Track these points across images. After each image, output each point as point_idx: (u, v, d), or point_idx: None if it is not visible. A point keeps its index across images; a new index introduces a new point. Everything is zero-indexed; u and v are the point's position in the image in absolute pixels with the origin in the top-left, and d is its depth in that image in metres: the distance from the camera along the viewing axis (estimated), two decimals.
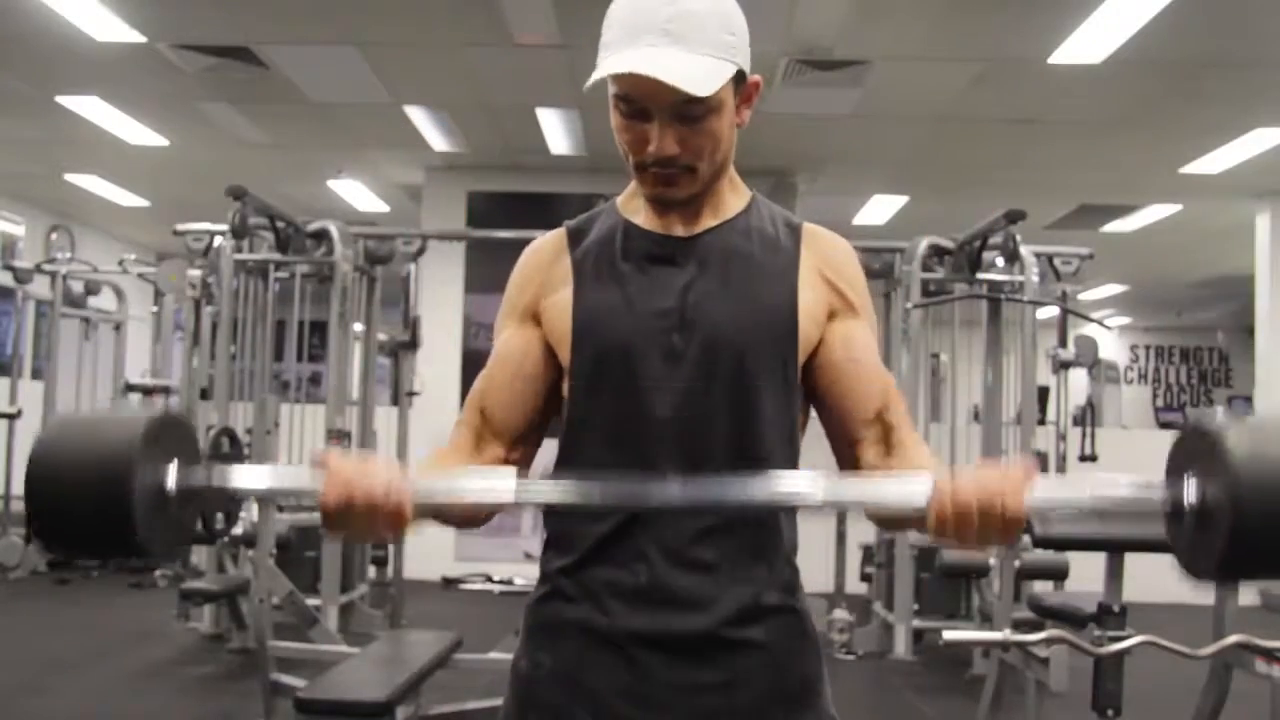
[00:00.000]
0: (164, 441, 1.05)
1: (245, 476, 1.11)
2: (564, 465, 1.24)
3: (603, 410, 1.21)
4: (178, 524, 1.08)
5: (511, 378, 1.26)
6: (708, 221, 1.26)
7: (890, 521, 1.24)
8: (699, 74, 1.12)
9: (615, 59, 1.13)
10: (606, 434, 1.21)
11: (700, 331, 1.20)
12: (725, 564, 1.19)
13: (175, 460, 1.06)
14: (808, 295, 1.23)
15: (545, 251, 1.29)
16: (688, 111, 1.15)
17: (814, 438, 1.32)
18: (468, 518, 1.19)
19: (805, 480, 1.06)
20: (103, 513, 1.00)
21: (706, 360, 1.19)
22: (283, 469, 1.11)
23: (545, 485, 1.10)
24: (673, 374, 1.19)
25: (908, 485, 1.05)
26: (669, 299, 1.21)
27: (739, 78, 1.19)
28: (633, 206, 1.29)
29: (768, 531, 1.22)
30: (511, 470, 1.08)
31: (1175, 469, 1.05)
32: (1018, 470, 1.03)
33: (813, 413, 1.30)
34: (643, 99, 1.15)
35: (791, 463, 1.23)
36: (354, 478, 1.03)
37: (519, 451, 1.26)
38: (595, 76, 1.16)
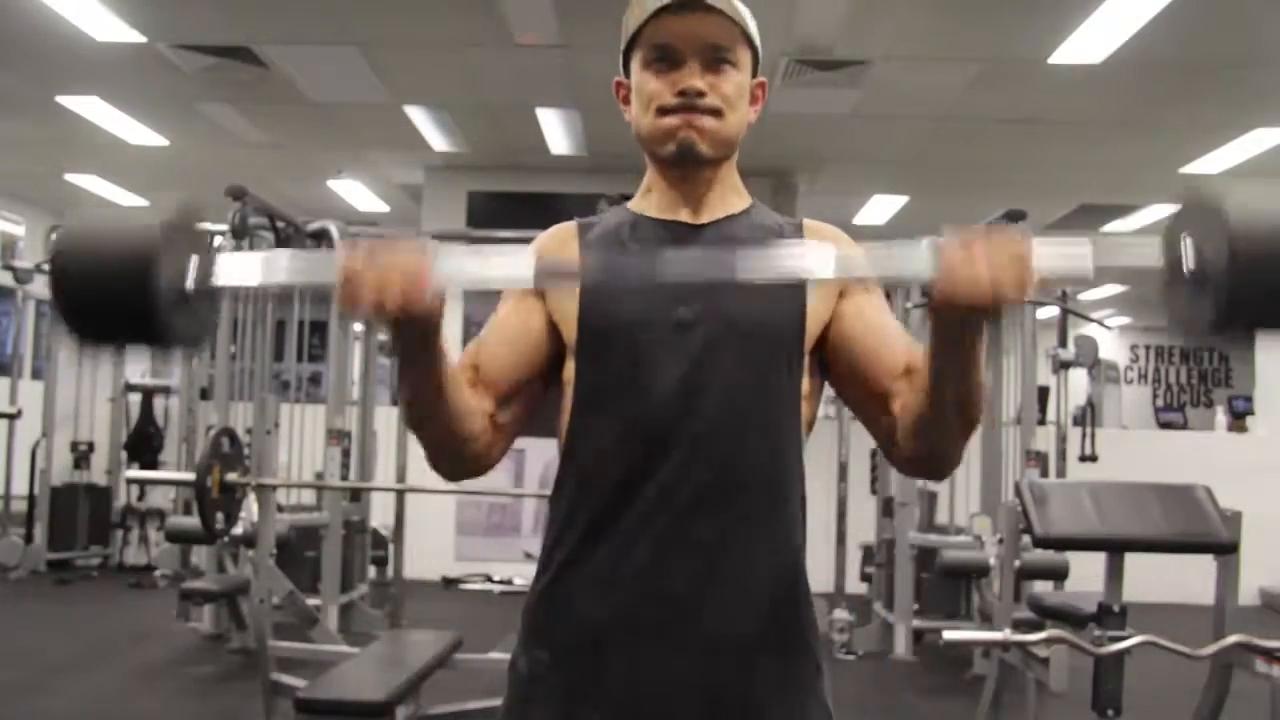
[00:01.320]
0: (183, 234, 1.08)
1: (265, 265, 1.09)
2: (569, 442, 1.24)
3: (610, 382, 1.22)
4: (197, 315, 1.10)
5: (507, 340, 1.26)
6: (715, 213, 1.29)
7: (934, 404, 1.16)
8: (736, 14, 1.23)
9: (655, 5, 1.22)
10: (613, 409, 1.21)
11: (707, 304, 1.21)
12: (725, 548, 1.19)
13: (193, 253, 1.08)
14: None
15: (555, 237, 1.33)
16: (718, 55, 1.23)
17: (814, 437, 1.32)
18: (456, 418, 1.18)
19: (815, 253, 1.09)
20: (127, 302, 1.03)
21: (714, 332, 1.21)
22: (303, 254, 1.10)
23: (563, 264, 1.18)
24: (680, 345, 1.21)
25: (914, 249, 1.07)
26: None
27: (754, 63, 1.28)
28: (643, 204, 1.32)
29: (772, 514, 1.22)
30: (530, 255, 1.08)
31: (1174, 234, 1.08)
32: (1019, 233, 1.04)
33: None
34: (678, 41, 1.22)
35: (796, 435, 1.24)
36: (376, 251, 1.02)
37: (505, 414, 1.25)
38: (639, 21, 1.23)
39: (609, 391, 1.22)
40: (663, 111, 1.24)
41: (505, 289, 1.29)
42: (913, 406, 1.18)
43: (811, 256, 1.09)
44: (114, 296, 1.04)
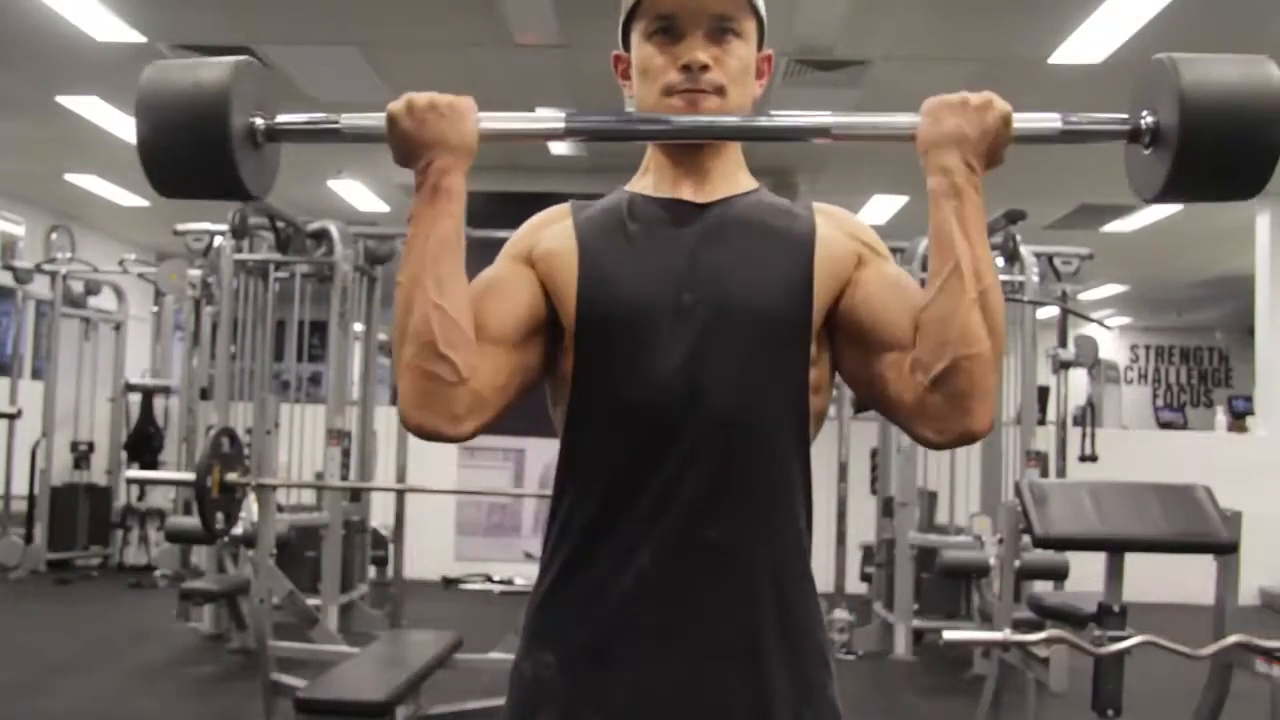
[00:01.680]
0: (249, 85, 1.19)
1: (321, 115, 1.24)
2: (571, 434, 1.20)
3: (610, 369, 1.17)
4: (265, 162, 1.25)
5: (502, 294, 1.20)
6: (720, 192, 1.25)
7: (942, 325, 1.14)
8: None
9: None
10: (614, 393, 1.17)
11: (710, 288, 1.18)
12: (731, 546, 1.16)
13: (258, 103, 1.20)
14: (827, 249, 1.21)
15: (547, 216, 1.28)
16: (722, 25, 1.21)
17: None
18: (449, 314, 1.14)
19: (814, 115, 1.21)
20: (205, 151, 1.14)
21: (716, 316, 1.17)
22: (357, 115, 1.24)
23: (592, 116, 1.23)
24: (682, 329, 1.16)
25: (905, 115, 1.20)
26: (679, 257, 1.20)
27: (760, 34, 1.25)
28: (641, 184, 1.28)
29: (779, 510, 1.19)
30: (560, 113, 1.21)
31: (1137, 104, 1.20)
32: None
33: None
34: (680, 10, 1.20)
35: (805, 427, 1.20)
36: (421, 92, 1.17)
37: (494, 372, 1.16)
38: None
39: (610, 384, 1.17)
40: (667, 92, 1.20)
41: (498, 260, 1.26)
42: (926, 313, 1.15)
43: (811, 116, 1.22)
44: (191, 136, 1.14)
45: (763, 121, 1.21)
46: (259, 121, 1.19)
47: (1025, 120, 1.17)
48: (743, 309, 1.17)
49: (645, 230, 1.22)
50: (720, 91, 1.20)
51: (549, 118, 1.21)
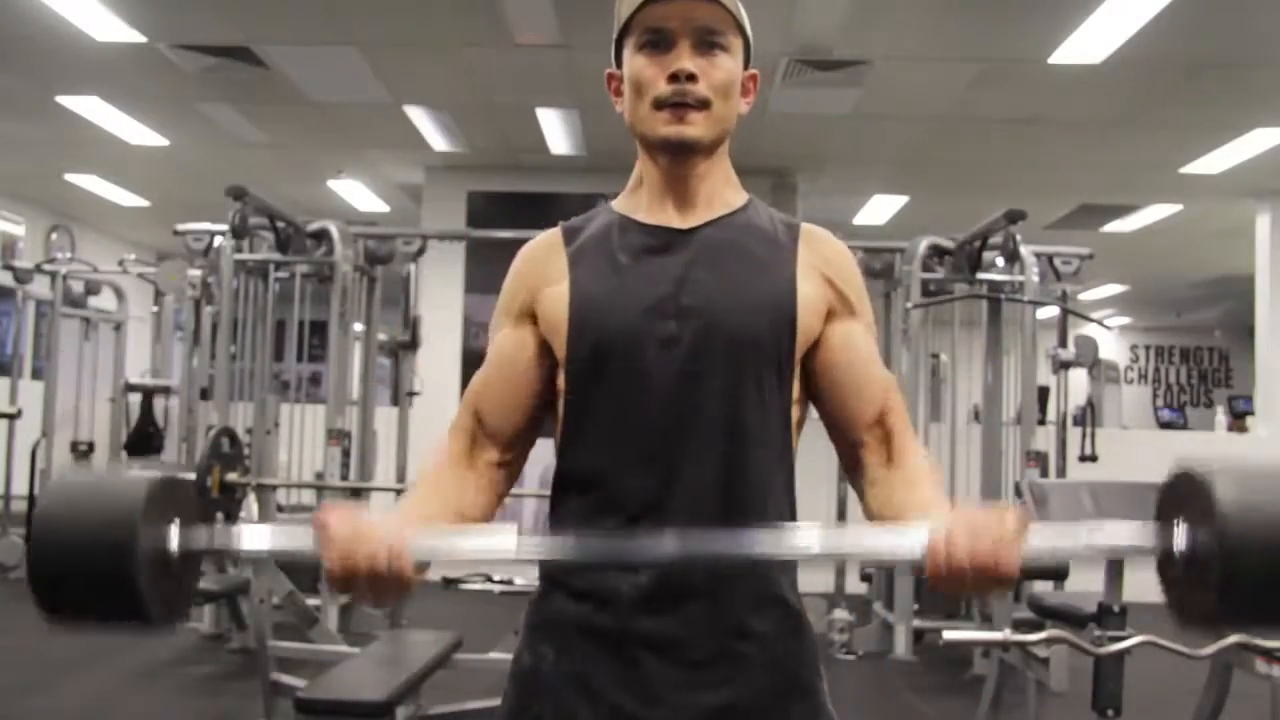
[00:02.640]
0: (166, 503, 1.04)
1: (247, 537, 1.11)
2: (563, 457, 1.25)
3: (600, 399, 1.22)
4: (181, 586, 1.07)
5: (506, 378, 1.28)
6: (705, 215, 1.27)
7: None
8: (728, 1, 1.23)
9: None
10: (604, 423, 1.22)
11: (695, 319, 1.21)
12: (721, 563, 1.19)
13: (177, 521, 1.06)
14: (806, 288, 1.25)
15: (540, 249, 1.31)
16: (709, 39, 1.23)
17: (811, 434, 1.32)
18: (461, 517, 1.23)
19: (803, 534, 1.06)
20: (107, 581, 1.00)
21: (701, 346, 1.20)
22: (283, 529, 1.10)
23: (544, 541, 1.11)
24: (668, 360, 1.20)
25: (904, 539, 1.06)
26: (665, 286, 1.23)
27: (746, 54, 1.27)
28: (629, 205, 1.30)
29: (765, 521, 1.20)
30: (512, 527, 1.06)
31: (1166, 515, 1.05)
32: (1012, 520, 1.02)
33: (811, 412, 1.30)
34: (669, 24, 1.22)
35: (785, 451, 1.24)
36: (354, 544, 1.03)
37: (513, 453, 1.28)
38: (630, 8, 1.23)
39: (600, 409, 1.22)
40: (657, 105, 1.23)
41: (496, 313, 1.31)
42: (874, 493, 1.23)
43: (800, 535, 1.06)
44: (91, 585, 1.01)
45: (743, 546, 1.07)
46: (173, 549, 1.05)
47: (1041, 554, 1.04)
48: (728, 336, 1.21)
49: (633, 261, 1.25)
50: (705, 105, 1.23)
51: (500, 540, 1.06)
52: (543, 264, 1.28)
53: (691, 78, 1.21)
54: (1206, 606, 0.98)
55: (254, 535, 1.11)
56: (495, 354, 1.29)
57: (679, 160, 1.25)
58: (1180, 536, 1.02)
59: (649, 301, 1.22)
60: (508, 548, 1.05)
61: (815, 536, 1.05)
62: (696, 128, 1.23)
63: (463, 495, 1.24)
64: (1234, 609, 0.98)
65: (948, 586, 1.03)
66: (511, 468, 1.29)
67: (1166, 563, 1.03)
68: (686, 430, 1.19)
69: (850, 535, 1.11)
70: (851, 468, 1.27)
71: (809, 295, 1.24)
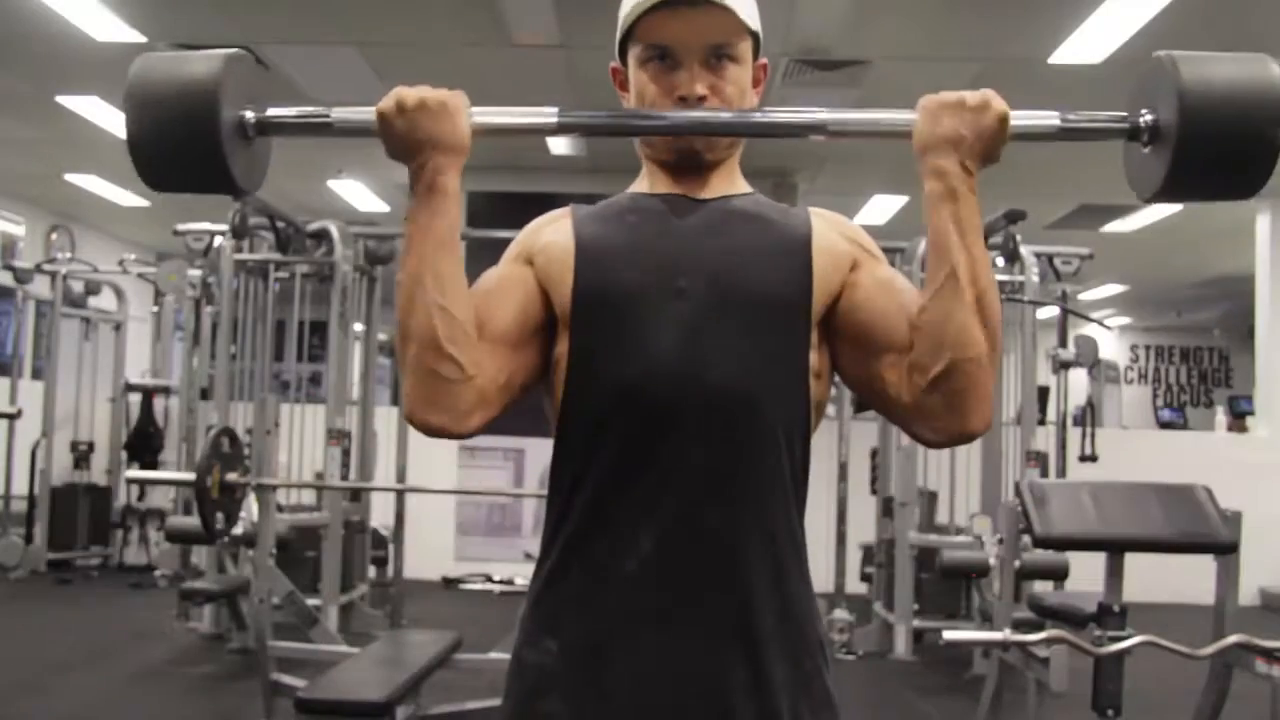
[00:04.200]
0: (239, 78, 1.16)
1: (311, 109, 1.21)
2: (566, 423, 1.20)
3: (607, 351, 1.18)
4: (256, 159, 1.21)
5: (503, 293, 1.22)
6: (718, 192, 1.27)
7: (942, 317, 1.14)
8: (736, 6, 1.20)
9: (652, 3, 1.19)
10: (611, 378, 1.17)
11: (709, 274, 1.19)
12: (732, 534, 1.16)
13: (248, 96, 1.18)
14: (824, 244, 1.23)
15: (546, 218, 1.29)
16: (717, 53, 1.21)
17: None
18: (449, 310, 1.14)
19: (810, 112, 1.19)
20: (194, 147, 1.13)
21: (714, 300, 1.18)
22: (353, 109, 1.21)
23: (584, 113, 1.20)
24: (679, 312, 1.17)
25: (902, 114, 1.18)
26: (677, 244, 1.21)
27: (756, 47, 1.25)
28: (641, 187, 1.30)
29: (780, 497, 1.19)
30: (554, 109, 1.18)
31: (1137, 103, 1.19)
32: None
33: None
34: (675, 41, 1.20)
35: (805, 413, 1.20)
36: (410, 89, 1.13)
37: (496, 369, 1.18)
38: (633, 14, 1.20)
39: (605, 361, 1.18)
40: None
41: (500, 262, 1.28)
42: (924, 315, 1.15)
43: (807, 112, 1.19)
44: (180, 130, 1.12)
45: (758, 117, 1.20)
46: (249, 115, 1.17)
47: (1023, 119, 1.16)
48: (742, 294, 1.19)
49: (643, 219, 1.24)
50: None
51: (541, 112, 1.19)
52: (550, 227, 1.27)
53: (702, 99, 1.20)
54: (1165, 168, 1.13)
55: (318, 112, 1.21)
56: (488, 281, 1.24)
57: (687, 164, 1.25)
58: (1147, 115, 1.17)
59: (659, 254, 1.20)
60: (549, 118, 1.18)
61: (824, 113, 1.18)
62: (705, 143, 1.22)
63: (463, 289, 1.17)
64: (1188, 171, 1.12)
65: (946, 114, 1.14)
66: (490, 386, 1.17)
67: (1133, 138, 1.19)
68: (698, 390, 1.16)
69: (854, 112, 1.21)
70: (902, 369, 1.17)
71: (827, 251, 1.22)
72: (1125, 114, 1.19)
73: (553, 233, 1.25)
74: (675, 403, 1.16)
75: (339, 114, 1.19)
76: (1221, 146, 1.10)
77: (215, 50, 1.15)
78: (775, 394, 1.19)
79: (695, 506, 1.16)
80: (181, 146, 1.13)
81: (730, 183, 1.28)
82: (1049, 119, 1.17)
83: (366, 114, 1.16)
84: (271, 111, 1.19)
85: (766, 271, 1.20)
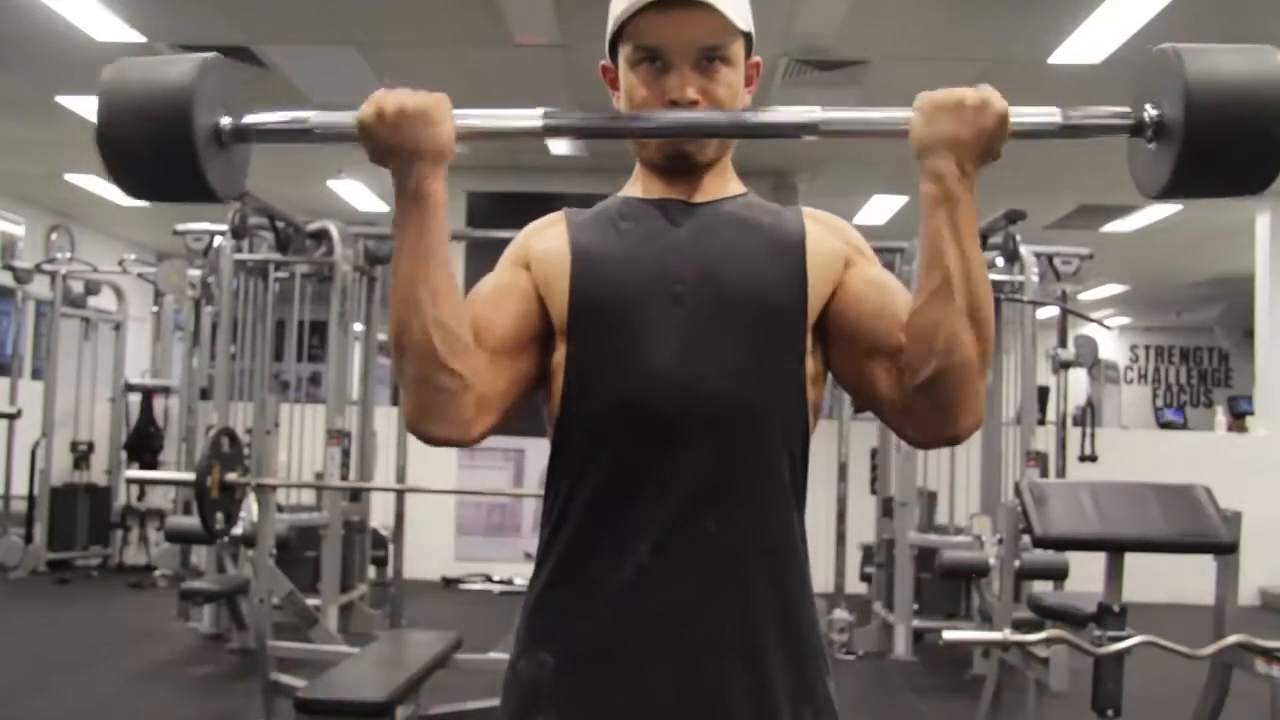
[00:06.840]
0: (217, 85, 1.13)
1: (290, 115, 1.18)
2: (564, 429, 1.19)
3: (604, 359, 1.17)
4: (233, 165, 1.17)
5: (500, 299, 1.21)
6: (711, 195, 1.26)
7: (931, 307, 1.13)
8: (727, 7, 1.18)
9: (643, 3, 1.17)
10: (608, 385, 1.17)
11: (704, 278, 1.18)
12: (731, 542, 1.15)
13: (225, 102, 1.15)
14: (817, 246, 1.23)
15: (542, 223, 1.29)
16: (709, 55, 1.19)
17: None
18: (446, 322, 1.13)
19: (803, 111, 1.16)
20: (168, 153, 1.11)
21: (710, 305, 1.17)
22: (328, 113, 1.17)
23: (569, 114, 1.17)
24: (675, 318, 1.17)
25: (898, 112, 1.14)
26: (671, 249, 1.21)
27: (748, 46, 1.24)
28: (633, 190, 1.29)
29: (779, 504, 1.18)
30: (539, 110, 1.15)
31: (1140, 98, 1.15)
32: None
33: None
34: (666, 44, 1.19)
35: (799, 409, 1.19)
36: (391, 93, 1.11)
37: (495, 375, 1.17)
38: (623, 14, 1.19)
39: (602, 371, 1.17)
40: None
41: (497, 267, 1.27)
42: (915, 320, 1.13)
43: (802, 111, 1.16)
44: (153, 138, 1.11)
45: (749, 118, 1.18)
46: (225, 121, 1.14)
47: (1024, 116, 1.13)
48: (737, 298, 1.18)
49: (637, 225, 1.23)
50: None
51: (528, 115, 1.16)
52: (545, 232, 1.26)
53: (693, 103, 1.19)
54: (1170, 165, 1.09)
55: (294, 115, 1.18)
56: (484, 287, 1.24)
57: (679, 169, 1.25)
58: (1152, 110, 1.12)
59: (654, 261, 1.20)
60: (535, 121, 1.15)
61: (816, 112, 1.15)
62: (695, 144, 1.22)
63: (458, 305, 1.15)
64: (1195, 167, 1.09)
65: (945, 111, 1.10)
66: (490, 394, 1.17)
67: (1137, 134, 1.15)
68: (697, 396, 1.15)
69: (848, 110, 1.17)
70: (892, 372, 1.17)
71: (819, 253, 1.22)
72: (1129, 109, 1.15)
73: (548, 239, 1.24)
74: (674, 413, 1.15)
75: (318, 120, 1.16)
76: (1230, 140, 1.07)
77: (190, 55, 1.12)
78: (774, 402, 1.18)
79: (694, 515, 1.15)
80: (155, 155, 1.11)
81: (723, 183, 1.28)
82: (1050, 116, 1.14)
83: (346, 120, 1.13)
84: (249, 118, 1.16)
85: (762, 278, 1.19)
